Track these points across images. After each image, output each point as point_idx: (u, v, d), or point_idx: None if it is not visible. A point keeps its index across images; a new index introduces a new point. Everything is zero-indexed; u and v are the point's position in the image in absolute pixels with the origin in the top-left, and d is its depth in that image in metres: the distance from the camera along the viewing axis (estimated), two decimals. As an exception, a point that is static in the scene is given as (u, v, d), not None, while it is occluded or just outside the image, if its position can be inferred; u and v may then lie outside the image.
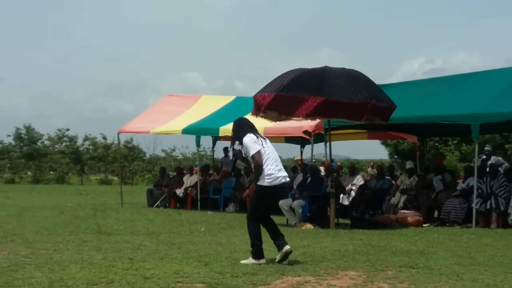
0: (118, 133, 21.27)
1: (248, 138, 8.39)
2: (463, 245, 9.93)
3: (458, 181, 15.12)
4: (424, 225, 13.57)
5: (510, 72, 14.49)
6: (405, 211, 14.31)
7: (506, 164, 18.03)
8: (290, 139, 20.77)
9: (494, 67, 15.43)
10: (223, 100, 19.66)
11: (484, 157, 16.29)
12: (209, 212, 16.92)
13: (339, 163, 26.52)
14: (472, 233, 11.89)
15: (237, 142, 8.77)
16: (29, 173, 49.52)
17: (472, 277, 6.86)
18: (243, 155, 8.66)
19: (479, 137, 13.54)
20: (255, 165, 8.21)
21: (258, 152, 8.09)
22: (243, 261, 8.34)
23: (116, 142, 28.80)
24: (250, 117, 13.39)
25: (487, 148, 17.08)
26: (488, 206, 13.17)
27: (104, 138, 48.89)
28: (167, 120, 19.60)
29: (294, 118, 12.69)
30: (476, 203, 13.07)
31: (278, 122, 13.88)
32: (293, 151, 24.45)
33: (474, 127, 12.80)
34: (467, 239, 10.86)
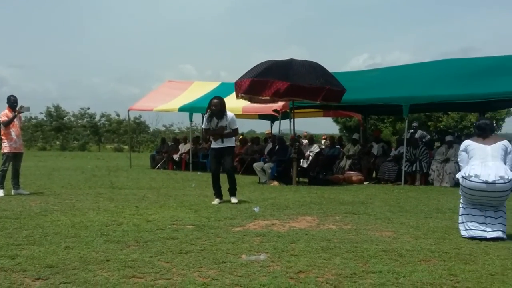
0: (128, 111, 21.59)
1: (233, 114, 9.08)
2: (394, 198, 10.00)
3: (391, 149, 15.21)
4: (364, 182, 13.65)
5: (433, 65, 14.55)
6: (350, 172, 14.40)
7: (428, 136, 18.19)
8: (262, 116, 20.77)
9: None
10: (211, 85, 19.54)
11: (412, 131, 16.35)
12: (198, 173, 16.89)
13: (305, 133, 26.37)
14: (401, 188, 11.99)
15: (225, 117, 8.82)
16: (57, 142, 49.04)
17: (400, 221, 6.94)
18: (222, 127, 8.86)
19: (409, 115, 13.57)
20: (236, 134, 9.08)
21: None
22: (234, 201, 8.80)
23: (126, 118, 28.53)
24: (231, 98, 13.44)
25: (414, 124, 17.10)
26: (413, 168, 13.29)
27: (118, 115, 48.62)
28: (167, 100, 19.51)
29: (267, 98, 12.67)
30: (405, 166, 13.17)
31: (254, 103, 13.90)
32: (265, 125, 24.37)
33: (405, 107, 12.85)
34: (397, 193, 10.94)
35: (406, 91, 13.14)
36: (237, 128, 9.22)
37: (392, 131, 34.88)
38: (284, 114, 16.40)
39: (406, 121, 14.27)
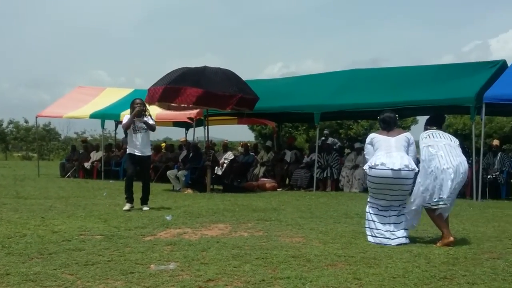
0: (36, 117, 20.73)
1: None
2: (305, 204, 10.21)
3: (304, 156, 15.53)
4: (278, 189, 13.85)
5: (344, 74, 14.99)
6: (264, 179, 14.57)
7: (339, 144, 18.74)
8: (177, 123, 20.58)
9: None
10: (123, 92, 19.14)
11: (324, 138, 16.80)
12: (110, 181, 16.47)
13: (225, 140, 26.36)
14: (312, 195, 12.27)
15: (149, 117, 8.92)
16: (-40, 149, 46.28)
17: (310, 226, 7.08)
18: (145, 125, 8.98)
19: (320, 123, 13.93)
20: (154, 128, 9.21)
21: None
22: (146, 208, 8.84)
23: (35, 125, 27.40)
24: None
25: (325, 131, 17.63)
26: (325, 175, 13.64)
27: (26, 121, 46.41)
28: (77, 107, 18.93)
29: (180, 105, 12.60)
30: (316, 173, 13.49)
31: (169, 110, 13.77)
32: (179, 133, 24.19)
33: (316, 115, 13.19)
34: (309, 199, 11.18)
35: (317, 100, 13.48)
36: (155, 124, 9.38)
37: (306, 138, 35.64)
38: (199, 122, 16.35)
39: (318, 129, 14.66)
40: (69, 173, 18.89)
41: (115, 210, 8.80)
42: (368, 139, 6.39)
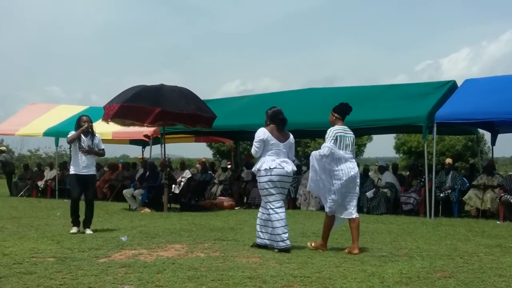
0: (-13, 135, 20.14)
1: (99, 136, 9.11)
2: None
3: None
4: (236, 208, 13.82)
5: (300, 93, 15.16)
6: (222, 197, 14.53)
7: (297, 161, 18.82)
8: (133, 141, 20.37)
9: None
10: (77, 109, 18.73)
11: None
12: (65, 200, 16.06)
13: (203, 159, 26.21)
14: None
15: (95, 137, 8.68)
16: None
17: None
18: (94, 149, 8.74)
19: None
20: (104, 154, 9.18)
21: None
22: (90, 232, 8.48)
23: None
24: (101, 122, 13.06)
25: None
26: (282, 193, 13.67)
27: (-23, 138, 45.16)
28: (29, 124, 18.60)
29: (136, 124, 12.51)
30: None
31: (124, 127, 13.61)
32: (136, 150, 23.94)
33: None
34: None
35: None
36: (104, 149, 9.11)
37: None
38: (156, 139, 16.23)
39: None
40: (22, 192, 18.43)
41: (69, 231, 8.60)
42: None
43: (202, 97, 13.03)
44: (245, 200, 14.81)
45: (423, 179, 12.36)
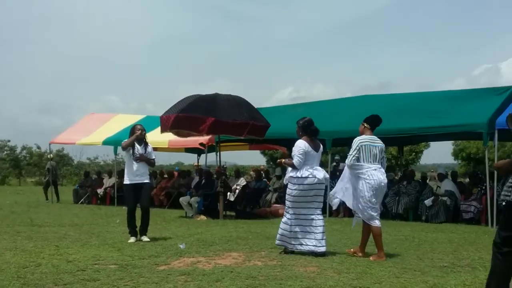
0: (50, 144, 21.00)
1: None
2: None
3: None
4: (291, 215, 13.75)
5: (354, 100, 15.02)
6: (277, 205, 14.50)
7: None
8: (189, 150, 20.69)
9: (344, 96, 15.99)
10: (135, 118, 19.20)
11: (335, 163, 16.74)
12: (124, 207, 16.37)
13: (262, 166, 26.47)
14: (326, 221, 12.05)
15: (148, 146, 8.84)
16: (-26, 177, 46.62)
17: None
18: (146, 157, 8.89)
19: (332, 148, 13.91)
20: (154, 165, 9.49)
21: None
22: (147, 239, 8.60)
23: (48, 151, 27.65)
24: (157, 132, 13.34)
25: (336, 157, 17.48)
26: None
27: (38, 147, 46.88)
28: (90, 133, 19.16)
29: (192, 133, 12.70)
30: (329, 199, 13.39)
31: (181, 137, 13.86)
32: (191, 158, 24.27)
33: (328, 141, 13.16)
34: (322, 226, 11.08)
35: (329, 126, 13.46)
36: (155, 159, 9.29)
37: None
38: (211, 147, 16.42)
39: (330, 154, 14.64)
40: (82, 199, 18.99)
41: (128, 238, 8.80)
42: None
43: (255, 105, 13.12)
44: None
45: (484, 187, 11.99)
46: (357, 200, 7.03)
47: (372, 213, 6.88)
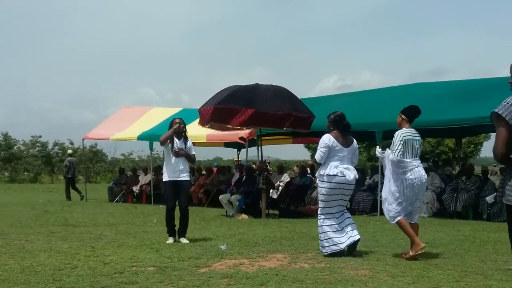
0: (83, 140, 21.44)
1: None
2: (369, 230, 10.05)
3: (366, 177, 15.33)
4: (338, 214, 13.67)
5: (405, 88, 14.81)
6: (323, 202, 14.43)
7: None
8: (228, 144, 20.80)
9: (393, 85, 15.79)
10: (171, 111, 19.42)
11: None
12: (160, 206, 16.64)
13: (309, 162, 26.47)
14: (377, 220, 12.07)
15: (188, 141, 8.88)
16: (6, 174, 48.00)
17: (376, 257, 6.96)
18: (186, 152, 8.88)
19: (382, 141, 13.76)
20: (194, 161, 9.65)
21: None
22: (186, 241, 8.60)
23: (81, 147, 28.24)
24: (194, 125, 13.46)
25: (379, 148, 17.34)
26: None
27: (71, 143, 47.78)
28: (124, 128, 19.42)
29: (231, 126, 12.71)
30: (381, 196, 13.25)
31: (220, 130, 13.92)
32: (230, 153, 24.41)
33: (378, 133, 13.02)
34: (373, 225, 11.01)
35: (378, 117, 13.31)
36: (195, 155, 9.27)
37: (367, 157, 35.23)
38: (252, 141, 16.44)
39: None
40: (117, 198, 19.32)
41: (167, 238, 8.90)
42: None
43: (298, 95, 13.06)
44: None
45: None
46: (387, 192, 7.09)
47: (397, 208, 6.96)
